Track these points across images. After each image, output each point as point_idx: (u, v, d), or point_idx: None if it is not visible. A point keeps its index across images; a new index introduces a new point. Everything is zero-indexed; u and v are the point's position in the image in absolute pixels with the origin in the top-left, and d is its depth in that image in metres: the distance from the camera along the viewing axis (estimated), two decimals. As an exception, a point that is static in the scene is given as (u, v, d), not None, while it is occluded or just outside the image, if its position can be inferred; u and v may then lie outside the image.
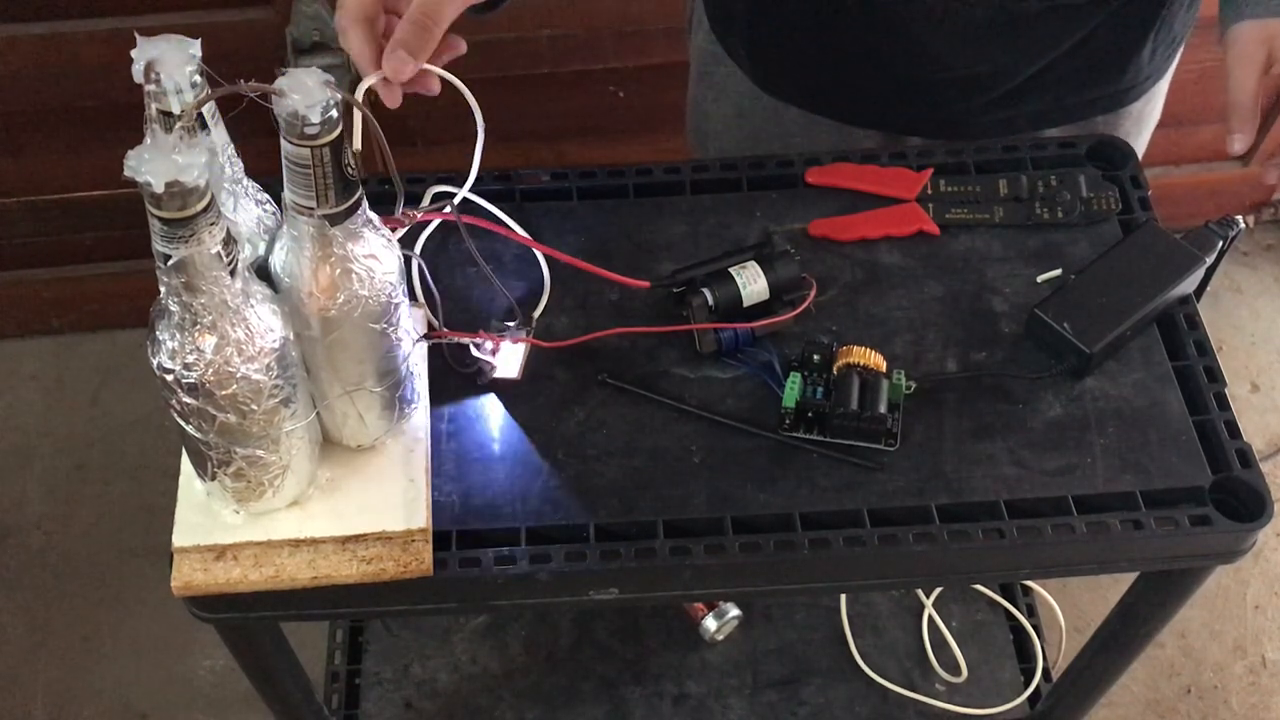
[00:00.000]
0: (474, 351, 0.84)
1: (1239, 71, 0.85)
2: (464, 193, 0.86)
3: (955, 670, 1.27)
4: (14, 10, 1.38)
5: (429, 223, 0.91)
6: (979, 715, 1.25)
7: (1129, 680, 1.60)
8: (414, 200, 0.92)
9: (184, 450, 0.76)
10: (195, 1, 1.40)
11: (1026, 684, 1.27)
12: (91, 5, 1.38)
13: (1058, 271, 0.91)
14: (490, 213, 0.90)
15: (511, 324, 0.84)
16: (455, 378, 0.85)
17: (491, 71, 1.51)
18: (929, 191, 0.95)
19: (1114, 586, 0.96)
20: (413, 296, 0.84)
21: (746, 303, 0.86)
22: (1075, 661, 1.10)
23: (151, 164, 0.58)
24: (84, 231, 1.69)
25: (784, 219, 0.94)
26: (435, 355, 0.85)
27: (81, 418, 1.79)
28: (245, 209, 0.74)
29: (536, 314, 0.88)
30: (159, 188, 0.58)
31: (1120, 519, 0.80)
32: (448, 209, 0.82)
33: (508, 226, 0.89)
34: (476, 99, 0.76)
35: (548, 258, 0.90)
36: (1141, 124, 1.09)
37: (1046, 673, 1.28)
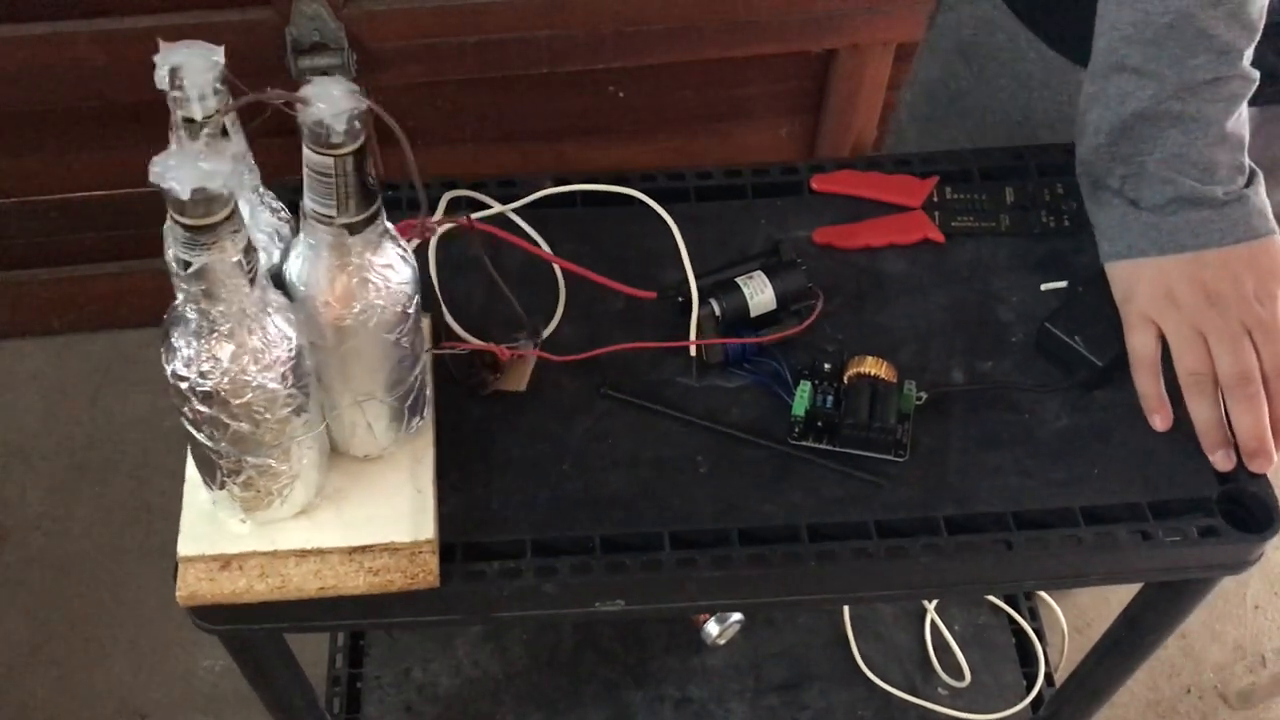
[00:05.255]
0: (480, 363, 0.83)
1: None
2: (486, 213, 0.85)
3: (958, 674, 1.27)
4: (14, 10, 1.37)
5: (438, 232, 0.91)
6: (982, 720, 1.25)
7: (1129, 680, 1.60)
8: (412, 205, 0.92)
9: (190, 458, 0.76)
10: (195, 1, 1.40)
11: (1029, 688, 1.27)
12: (91, 5, 1.38)
13: (1064, 283, 0.90)
14: (504, 225, 0.90)
15: (519, 336, 0.83)
16: (461, 388, 0.85)
17: (491, 71, 1.51)
18: (934, 199, 0.94)
19: (1116, 590, 0.96)
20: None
21: (754, 313, 0.85)
22: (1079, 668, 1.10)
23: (178, 170, 0.58)
24: (84, 231, 1.68)
25: (789, 226, 0.94)
26: (441, 365, 0.85)
27: (81, 418, 1.79)
28: (260, 216, 0.74)
29: (548, 332, 0.87)
30: (185, 194, 0.57)
31: (1128, 530, 0.80)
32: (463, 219, 0.81)
33: (534, 242, 0.88)
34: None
35: (552, 266, 0.89)
36: None
37: (1049, 677, 1.28)
